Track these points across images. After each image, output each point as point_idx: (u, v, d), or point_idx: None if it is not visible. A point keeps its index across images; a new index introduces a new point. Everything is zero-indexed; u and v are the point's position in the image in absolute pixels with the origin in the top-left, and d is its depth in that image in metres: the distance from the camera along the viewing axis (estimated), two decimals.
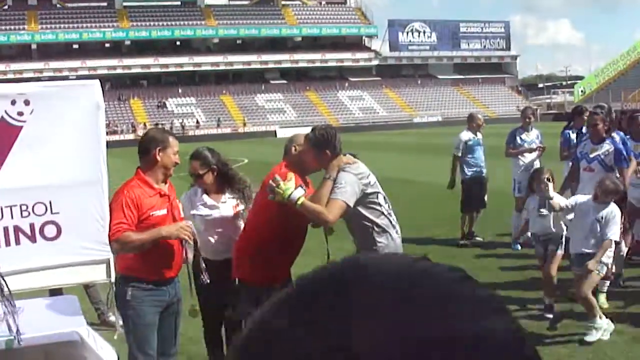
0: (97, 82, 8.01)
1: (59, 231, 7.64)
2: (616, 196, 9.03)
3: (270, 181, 6.38)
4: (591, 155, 11.09)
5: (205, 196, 7.77)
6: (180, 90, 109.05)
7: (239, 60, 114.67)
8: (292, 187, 6.31)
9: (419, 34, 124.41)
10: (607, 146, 11.00)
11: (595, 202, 8.90)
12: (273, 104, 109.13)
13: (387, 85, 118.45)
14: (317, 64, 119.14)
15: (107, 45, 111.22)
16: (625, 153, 11.07)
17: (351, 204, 6.57)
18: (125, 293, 6.45)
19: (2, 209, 7.60)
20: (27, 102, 7.54)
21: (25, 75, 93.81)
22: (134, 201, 6.46)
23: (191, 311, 6.93)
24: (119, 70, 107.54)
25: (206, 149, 7.88)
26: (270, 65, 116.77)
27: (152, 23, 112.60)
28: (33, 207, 7.64)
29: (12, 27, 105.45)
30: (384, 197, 7.08)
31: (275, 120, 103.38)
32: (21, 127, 7.53)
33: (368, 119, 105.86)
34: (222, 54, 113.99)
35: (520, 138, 13.97)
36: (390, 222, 7.00)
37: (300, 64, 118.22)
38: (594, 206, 8.85)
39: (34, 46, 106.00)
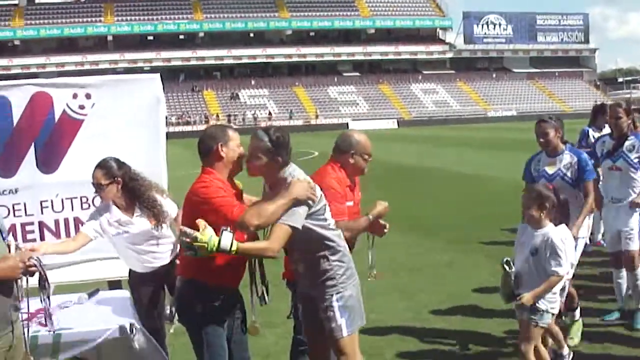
0: (157, 75, 8.06)
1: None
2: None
3: (182, 238, 5.47)
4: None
5: (115, 210, 7.22)
6: (253, 82, 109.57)
7: (311, 52, 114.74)
8: (213, 235, 5.36)
9: (495, 26, 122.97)
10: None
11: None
12: (346, 96, 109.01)
13: (461, 78, 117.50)
14: (391, 57, 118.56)
15: (181, 36, 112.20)
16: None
17: (299, 227, 5.76)
18: (196, 304, 6.01)
19: (62, 200, 7.75)
20: (88, 96, 7.66)
21: (101, 66, 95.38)
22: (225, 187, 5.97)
23: (252, 328, 6.57)
24: (193, 62, 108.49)
25: (113, 159, 7.15)
26: (343, 58, 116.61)
27: (225, 15, 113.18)
28: (93, 199, 7.75)
29: (89, 19, 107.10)
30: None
31: (347, 113, 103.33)
32: (82, 120, 7.66)
33: (441, 113, 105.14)
34: (295, 45, 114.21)
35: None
36: (340, 234, 6.17)
37: (374, 56, 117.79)
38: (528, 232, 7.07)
39: (109, 38, 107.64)
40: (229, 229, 5.42)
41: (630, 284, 9.21)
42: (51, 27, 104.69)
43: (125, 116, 7.74)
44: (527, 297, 6.65)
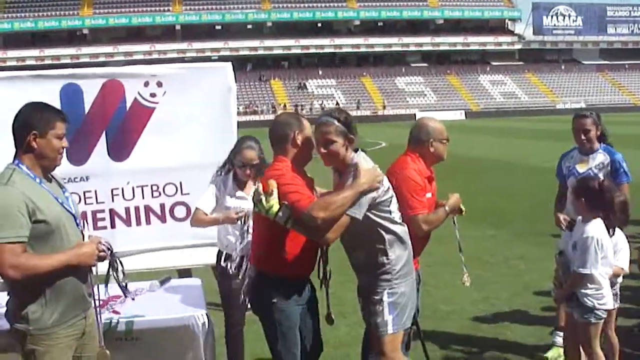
0: (229, 64, 8.02)
1: (189, 212, 7.74)
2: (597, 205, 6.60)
3: (254, 191, 5.62)
4: None
5: (232, 184, 7.31)
6: (320, 72, 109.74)
7: (379, 43, 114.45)
8: (275, 204, 5.41)
9: (564, 17, 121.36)
10: None
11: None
12: (413, 87, 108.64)
13: (529, 70, 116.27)
14: (459, 47, 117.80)
15: (249, 26, 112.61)
16: None
17: (360, 217, 5.61)
18: (270, 294, 5.88)
19: (133, 189, 7.76)
20: (159, 84, 7.66)
21: (169, 55, 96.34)
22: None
23: (327, 319, 6.46)
24: (260, 52, 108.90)
25: (253, 138, 7.28)
26: (411, 48, 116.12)
27: (293, 5, 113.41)
28: (164, 187, 7.78)
29: (157, 8, 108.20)
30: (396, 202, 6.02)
31: (415, 104, 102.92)
32: (154, 108, 7.66)
33: (509, 104, 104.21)
34: (362, 36, 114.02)
35: None
36: (405, 230, 6.00)
37: (442, 47, 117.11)
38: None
39: (177, 27, 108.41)
40: (286, 204, 5.41)
41: None
42: (119, 16, 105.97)
43: (196, 104, 7.72)
44: (557, 295, 6.78)
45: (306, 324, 6.17)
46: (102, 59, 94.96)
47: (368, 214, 5.63)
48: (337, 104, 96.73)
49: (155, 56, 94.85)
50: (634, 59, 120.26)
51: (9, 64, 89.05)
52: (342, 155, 5.67)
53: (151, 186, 7.79)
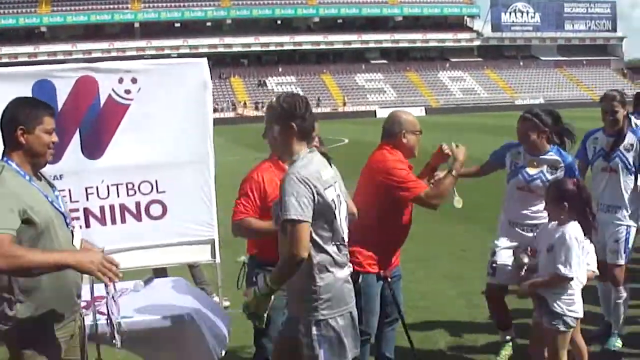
0: (204, 60, 7.91)
1: (165, 210, 7.62)
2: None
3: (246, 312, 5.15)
4: None
5: None
6: (280, 69, 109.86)
7: (339, 40, 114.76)
8: (256, 296, 5.01)
9: (522, 14, 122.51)
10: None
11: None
12: (373, 83, 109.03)
13: (488, 66, 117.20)
14: (418, 44, 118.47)
15: (208, 24, 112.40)
16: None
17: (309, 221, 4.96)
18: (255, 277, 5.66)
19: (108, 187, 7.61)
20: (134, 80, 7.51)
21: (128, 53, 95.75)
22: (261, 186, 6.29)
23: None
24: (220, 49, 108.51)
25: None
26: (371, 45, 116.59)
27: (252, 2, 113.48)
28: (139, 185, 7.63)
29: (116, 5, 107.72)
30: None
31: (375, 100, 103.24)
32: (128, 105, 7.51)
33: (469, 100, 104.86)
34: (322, 33, 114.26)
35: None
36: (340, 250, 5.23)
37: (401, 44, 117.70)
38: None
39: (136, 25, 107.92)
40: (262, 276, 5.11)
41: (612, 300, 8.31)
42: (78, 14, 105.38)
43: (171, 101, 7.59)
44: (523, 287, 6.51)
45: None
46: (60, 57, 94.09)
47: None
48: None
49: (114, 54, 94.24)
50: (591, 55, 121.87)
51: None
52: (282, 144, 5.19)
53: (126, 184, 7.64)
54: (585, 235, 6.44)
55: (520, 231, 7.62)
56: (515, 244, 7.53)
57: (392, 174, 6.60)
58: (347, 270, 5.22)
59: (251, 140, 31.78)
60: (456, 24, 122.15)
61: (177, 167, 7.54)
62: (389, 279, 6.93)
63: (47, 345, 4.76)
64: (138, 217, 7.71)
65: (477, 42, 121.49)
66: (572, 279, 6.26)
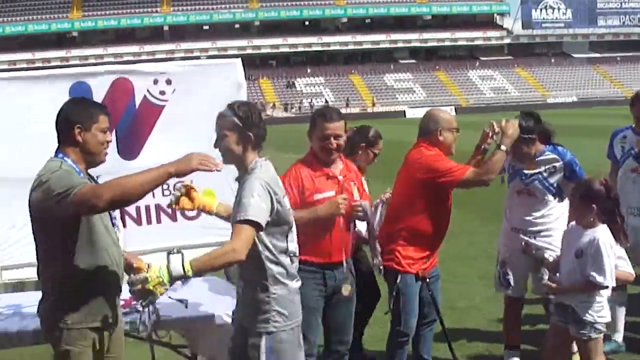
0: (238, 61, 8.01)
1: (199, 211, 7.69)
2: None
3: (134, 289, 4.55)
4: None
5: None
6: (309, 70, 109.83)
7: (367, 40, 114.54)
8: (161, 266, 4.57)
9: (553, 10, 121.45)
10: None
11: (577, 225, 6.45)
12: (402, 83, 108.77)
13: (519, 64, 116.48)
14: (447, 43, 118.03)
15: (236, 26, 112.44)
16: None
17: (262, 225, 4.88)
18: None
19: None
20: (169, 82, 7.60)
21: (157, 56, 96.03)
22: (298, 181, 6.29)
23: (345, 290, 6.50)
24: (249, 51, 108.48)
25: None
26: (399, 45, 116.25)
27: (280, 3, 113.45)
28: (174, 186, 7.70)
29: (146, 9, 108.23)
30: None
31: (404, 100, 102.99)
32: (163, 106, 7.62)
33: (499, 99, 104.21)
34: (350, 33, 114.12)
35: None
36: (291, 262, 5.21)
37: (430, 43, 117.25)
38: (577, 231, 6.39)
39: (165, 28, 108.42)
40: (175, 250, 4.73)
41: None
42: (108, 19, 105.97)
43: (206, 102, 7.63)
44: (554, 285, 6.27)
45: (335, 312, 6.47)
46: (91, 60, 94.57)
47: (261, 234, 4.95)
48: (326, 102, 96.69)
49: (144, 57, 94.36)
50: (625, 51, 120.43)
51: (0, 67, 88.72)
52: (237, 153, 5.11)
53: (161, 185, 7.76)
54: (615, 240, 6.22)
55: (525, 238, 7.39)
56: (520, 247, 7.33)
57: (433, 167, 6.65)
58: (298, 283, 5.21)
59: (280, 142, 31.79)
60: (486, 22, 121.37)
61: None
62: (427, 279, 6.92)
63: (91, 343, 4.87)
64: (173, 218, 7.80)
65: (507, 40, 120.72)
66: (607, 287, 6.10)
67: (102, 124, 4.95)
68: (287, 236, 5.08)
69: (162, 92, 7.60)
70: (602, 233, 6.12)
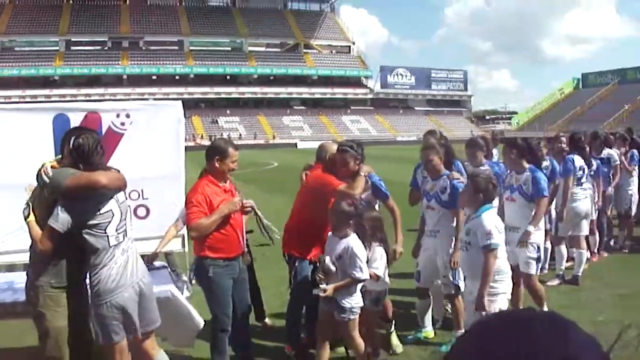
0: (179, 102, 7.84)
1: (148, 212, 7.53)
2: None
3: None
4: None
5: None
6: (228, 112, 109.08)
7: (271, 91, 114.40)
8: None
9: (402, 76, 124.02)
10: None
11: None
12: (295, 123, 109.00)
13: (378, 113, 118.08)
14: (328, 96, 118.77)
15: (177, 77, 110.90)
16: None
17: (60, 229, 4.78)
18: (207, 271, 6.06)
19: None
20: (128, 115, 7.40)
21: (118, 97, 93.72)
22: (206, 198, 6.12)
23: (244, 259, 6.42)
24: (185, 96, 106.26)
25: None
26: (294, 96, 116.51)
27: (209, 62, 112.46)
28: (129, 193, 7.47)
29: (110, 62, 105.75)
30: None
31: (296, 135, 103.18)
32: (123, 134, 7.39)
33: (364, 137, 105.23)
34: (259, 86, 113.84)
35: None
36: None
37: (316, 95, 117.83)
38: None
39: (124, 77, 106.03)
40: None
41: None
42: (82, 67, 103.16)
43: (155, 131, 7.50)
44: (329, 289, 5.84)
45: (237, 290, 6.26)
46: (68, 98, 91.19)
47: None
48: (240, 135, 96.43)
49: (107, 97, 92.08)
50: (450, 107, 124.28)
51: None
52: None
53: None
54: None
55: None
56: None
57: (326, 182, 6.66)
58: None
59: (203, 162, 31.43)
60: (355, 82, 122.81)
61: (157, 180, 7.45)
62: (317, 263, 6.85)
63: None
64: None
65: (370, 96, 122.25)
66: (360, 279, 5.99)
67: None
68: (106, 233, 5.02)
69: (122, 124, 7.38)
70: (353, 240, 6.04)
